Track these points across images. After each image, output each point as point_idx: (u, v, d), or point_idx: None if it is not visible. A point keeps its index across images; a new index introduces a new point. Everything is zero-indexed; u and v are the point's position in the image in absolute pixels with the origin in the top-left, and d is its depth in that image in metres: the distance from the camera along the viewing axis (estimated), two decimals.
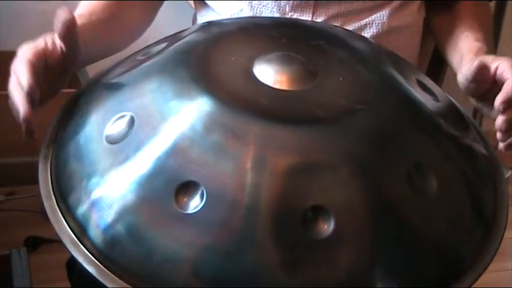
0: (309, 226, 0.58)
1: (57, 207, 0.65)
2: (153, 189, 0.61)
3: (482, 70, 0.76)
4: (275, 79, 0.68)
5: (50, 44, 0.73)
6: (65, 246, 0.62)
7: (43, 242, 1.72)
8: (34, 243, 1.72)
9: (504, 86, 0.74)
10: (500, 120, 0.72)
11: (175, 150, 0.61)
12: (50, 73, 0.73)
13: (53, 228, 0.64)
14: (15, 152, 1.65)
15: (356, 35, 0.88)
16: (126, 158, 0.63)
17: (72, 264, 1.01)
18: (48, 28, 0.73)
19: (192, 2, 1.11)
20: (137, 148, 0.63)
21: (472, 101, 0.84)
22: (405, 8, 0.99)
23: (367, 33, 0.96)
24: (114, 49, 0.92)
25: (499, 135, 0.74)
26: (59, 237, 0.63)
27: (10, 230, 1.73)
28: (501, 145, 0.75)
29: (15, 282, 1.31)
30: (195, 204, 0.59)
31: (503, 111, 0.72)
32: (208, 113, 0.63)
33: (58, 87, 0.76)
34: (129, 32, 0.96)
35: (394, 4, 0.97)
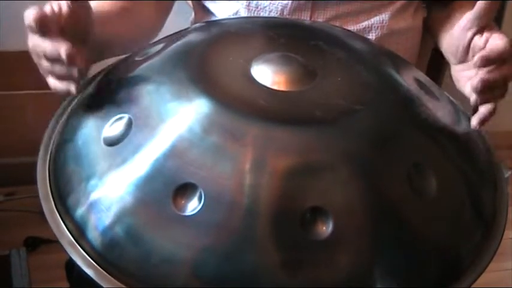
0: (308, 227, 0.58)
1: (55, 209, 0.65)
2: (151, 191, 0.60)
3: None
4: (273, 80, 0.68)
5: (56, 8, 0.69)
6: (63, 248, 0.62)
7: (42, 242, 1.71)
8: (33, 244, 1.72)
9: (489, 43, 0.74)
10: (476, 79, 0.71)
11: (173, 152, 0.61)
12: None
13: (52, 230, 0.64)
14: (14, 152, 1.65)
15: (355, 34, 0.87)
16: (124, 160, 0.62)
17: (71, 265, 1.01)
18: None
19: (190, 3, 1.10)
20: (135, 150, 0.62)
21: (454, 74, 0.83)
22: (405, 11, 0.99)
23: (367, 37, 0.96)
24: (125, 44, 0.90)
25: (472, 98, 0.73)
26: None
27: (9, 230, 1.73)
28: (474, 121, 0.73)
29: (14, 282, 1.31)
30: (193, 206, 0.59)
31: (480, 66, 0.71)
32: (206, 115, 0.63)
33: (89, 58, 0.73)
34: (140, 29, 0.95)
35: (394, 7, 0.97)
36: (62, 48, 0.66)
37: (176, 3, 1.03)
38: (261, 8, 0.94)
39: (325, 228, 0.58)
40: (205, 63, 0.70)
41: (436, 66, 1.34)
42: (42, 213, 0.66)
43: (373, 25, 0.96)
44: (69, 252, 0.62)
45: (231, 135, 0.61)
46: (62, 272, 1.04)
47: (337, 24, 0.94)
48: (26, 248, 1.65)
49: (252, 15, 0.94)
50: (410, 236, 0.62)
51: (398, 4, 0.97)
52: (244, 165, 0.60)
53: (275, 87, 0.67)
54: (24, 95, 1.67)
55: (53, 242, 1.65)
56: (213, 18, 0.99)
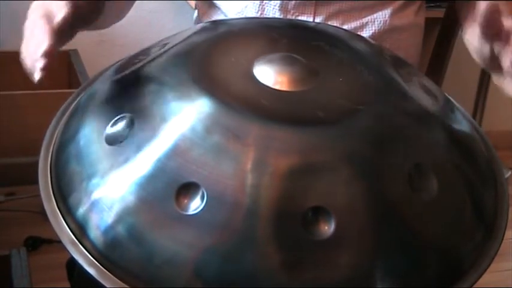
0: (309, 227, 0.58)
1: (57, 209, 0.65)
2: (154, 190, 0.60)
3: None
4: (276, 80, 0.68)
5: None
6: (65, 248, 0.62)
7: (43, 242, 1.72)
8: (34, 244, 1.72)
9: None
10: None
11: (175, 152, 0.61)
12: None
13: (53, 229, 0.64)
14: (15, 152, 1.65)
15: (357, 36, 0.88)
16: (127, 160, 0.63)
17: (72, 265, 1.01)
18: None
19: (192, 3, 1.11)
20: (137, 149, 0.63)
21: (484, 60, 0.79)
22: (407, 8, 0.99)
23: (369, 31, 0.96)
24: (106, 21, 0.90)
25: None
26: (59, 237, 0.63)
27: (10, 230, 1.74)
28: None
29: (15, 282, 1.31)
30: (195, 205, 0.59)
31: None
32: (208, 114, 0.63)
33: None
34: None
35: (397, 4, 0.97)
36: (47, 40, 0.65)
37: (177, 3, 1.03)
38: (265, 3, 0.94)
39: (327, 228, 0.58)
40: (207, 63, 0.70)
41: (436, 66, 1.35)
42: (42, 213, 0.66)
43: (375, 19, 0.96)
44: (71, 252, 0.62)
45: (233, 135, 0.61)
46: (62, 272, 1.04)
47: (340, 19, 0.94)
48: (26, 248, 1.65)
49: (258, 9, 0.95)
50: (411, 236, 0.62)
51: (401, 2, 0.98)
52: (246, 165, 0.60)
53: (277, 87, 0.67)
54: (25, 95, 1.68)
55: (53, 242, 1.66)
56: (219, 15, 1.00)
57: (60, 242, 0.63)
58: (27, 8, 0.69)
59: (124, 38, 2.11)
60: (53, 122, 0.75)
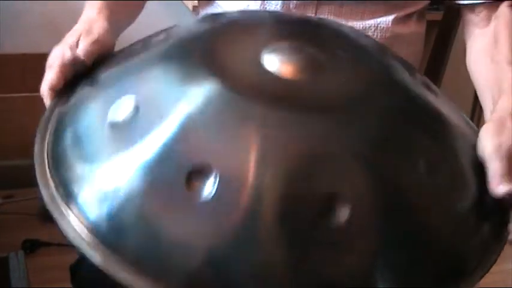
0: (323, 217, 0.58)
1: (56, 194, 0.63)
2: (161, 175, 0.59)
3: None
4: (282, 68, 0.67)
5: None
6: (66, 234, 0.60)
7: (41, 244, 1.71)
8: (32, 246, 1.71)
9: None
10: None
11: (181, 136, 0.61)
12: None
13: (50, 230, 0.62)
14: (13, 154, 1.65)
15: (362, 33, 0.88)
16: (133, 144, 0.62)
17: (76, 268, 1.01)
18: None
19: (189, 3, 1.11)
20: (143, 134, 0.62)
21: None
22: (409, 16, 0.99)
23: (372, 37, 0.96)
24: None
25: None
26: (56, 240, 0.61)
27: (8, 233, 1.73)
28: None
29: (13, 284, 1.31)
30: (205, 190, 0.58)
31: None
32: (216, 98, 0.62)
33: None
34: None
35: (399, 12, 0.97)
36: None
37: (176, 3, 1.03)
38: (267, 2, 0.95)
39: (339, 219, 0.58)
40: (214, 49, 0.69)
41: (434, 68, 1.35)
42: (38, 216, 0.64)
43: (378, 25, 0.96)
44: (73, 241, 0.60)
45: (241, 119, 0.61)
46: (60, 274, 1.04)
47: (342, 19, 0.95)
48: (24, 250, 1.65)
49: (259, 8, 0.95)
50: (416, 237, 0.62)
51: (402, 8, 0.98)
52: (253, 149, 0.59)
53: (284, 75, 0.67)
54: (23, 98, 1.67)
55: (51, 245, 1.65)
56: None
57: (58, 244, 0.62)
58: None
59: (123, 38, 2.11)
60: (52, 104, 0.75)
